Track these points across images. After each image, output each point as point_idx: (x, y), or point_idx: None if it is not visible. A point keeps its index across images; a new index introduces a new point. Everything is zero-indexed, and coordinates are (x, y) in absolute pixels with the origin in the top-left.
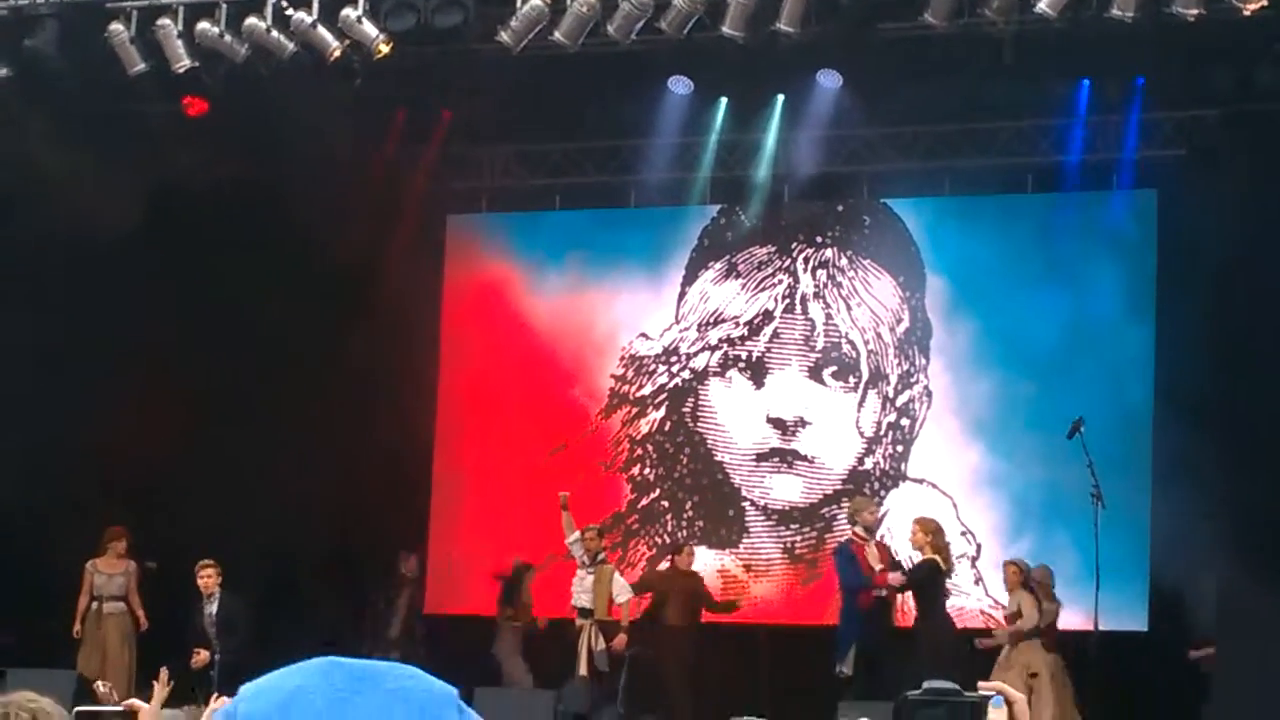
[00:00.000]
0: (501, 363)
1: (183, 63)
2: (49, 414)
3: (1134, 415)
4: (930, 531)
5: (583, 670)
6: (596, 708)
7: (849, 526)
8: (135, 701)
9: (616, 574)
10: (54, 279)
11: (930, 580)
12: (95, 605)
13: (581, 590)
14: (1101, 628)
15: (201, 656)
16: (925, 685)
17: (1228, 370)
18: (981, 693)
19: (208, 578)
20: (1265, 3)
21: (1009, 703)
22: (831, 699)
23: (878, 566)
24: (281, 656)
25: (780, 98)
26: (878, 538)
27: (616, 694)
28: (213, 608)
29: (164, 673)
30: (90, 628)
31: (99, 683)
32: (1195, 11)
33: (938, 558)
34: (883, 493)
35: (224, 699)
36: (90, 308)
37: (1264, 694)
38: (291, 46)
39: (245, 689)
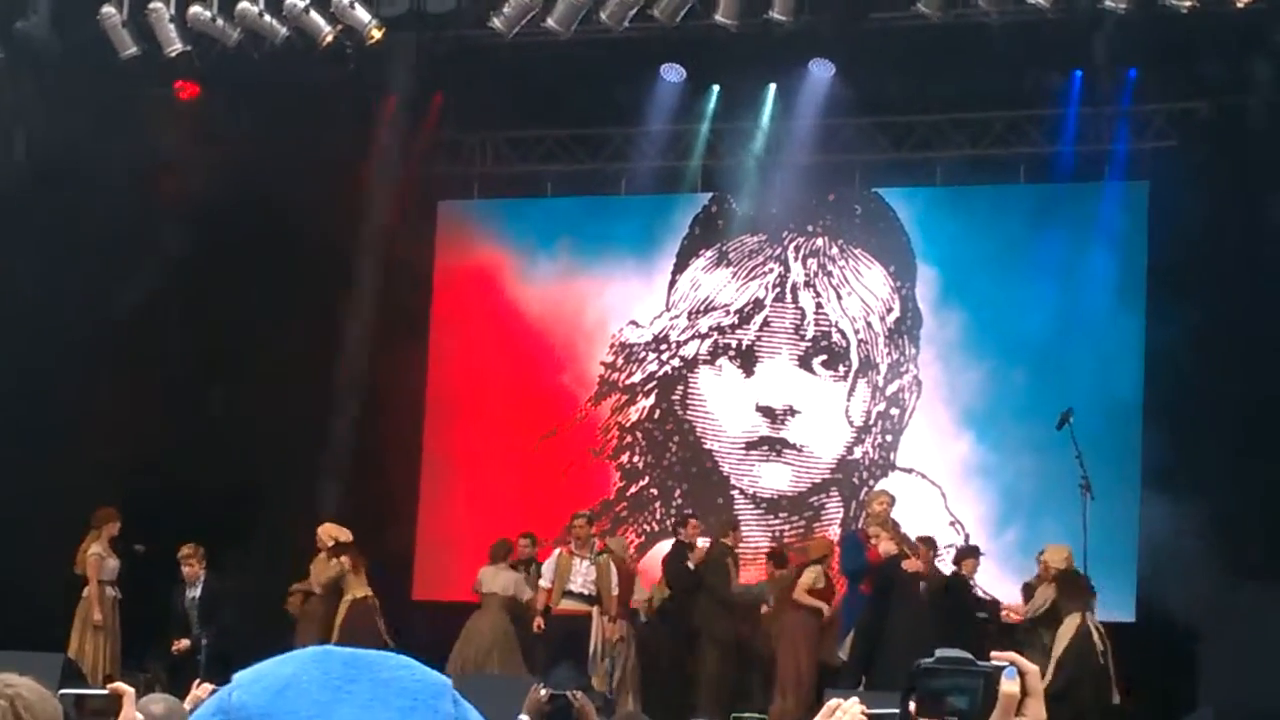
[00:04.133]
0: (492, 348)
1: (174, 46)
2: (31, 394)
3: (1124, 406)
4: (888, 527)
5: (600, 659)
6: (586, 692)
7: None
8: (121, 685)
9: (613, 565)
10: (43, 259)
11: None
12: (110, 591)
13: (586, 578)
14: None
15: (182, 644)
16: (938, 653)
17: (1217, 361)
18: (995, 663)
19: (190, 566)
20: None
21: (1022, 674)
22: (823, 684)
23: (873, 542)
24: (269, 640)
25: (772, 86)
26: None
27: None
28: (195, 592)
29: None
30: (108, 614)
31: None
32: (1188, 3)
33: (897, 546)
34: (871, 482)
35: (206, 685)
36: (77, 287)
37: (1255, 683)
38: (283, 31)
39: (240, 676)
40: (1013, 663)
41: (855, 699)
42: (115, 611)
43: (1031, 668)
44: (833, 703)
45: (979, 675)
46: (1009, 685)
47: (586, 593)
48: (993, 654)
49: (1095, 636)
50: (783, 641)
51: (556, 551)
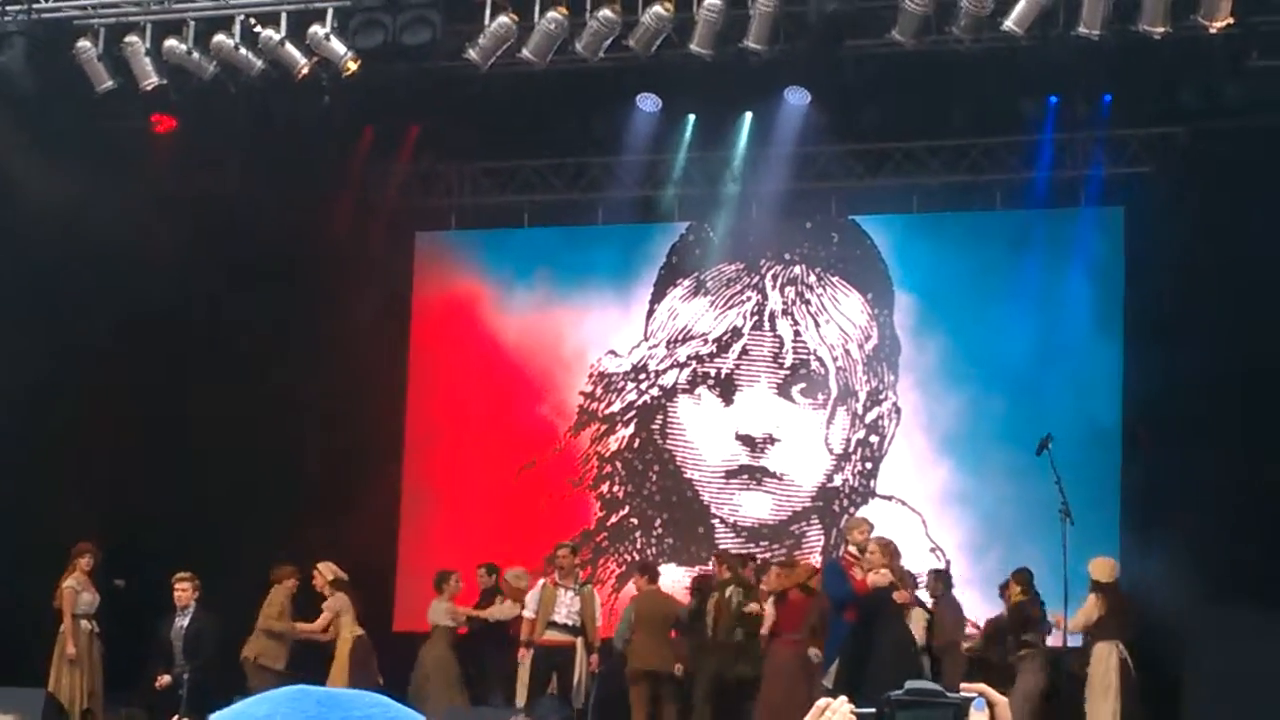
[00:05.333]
0: (470, 380)
1: (150, 80)
2: (16, 427)
3: (1102, 431)
4: (887, 553)
5: (581, 692)
6: None
7: (839, 545)
8: None
9: (597, 595)
10: (20, 292)
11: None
12: (85, 624)
13: (570, 609)
14: (1070, 644)
15: (164, 680)
16: (907, 686)
17: (1195, 386)
18: (964, 694)
19: (183, 590)
20: (1231, 21)
21: (991, 705)
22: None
23: (865, 568)
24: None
25: (748, 115)
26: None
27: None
28: (184, 621)
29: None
30: (81, 648)
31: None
32: (1162, 29)
33: (890, 576)
34: (852, 510)
35: None
36: (53, 319)
37: (1234, 704)
38: (259, 64)
39: (215, 717)
40: (981, 694)
41: (844, 698)
42: (91, 645)
43: (1000, 699)
44: (822, 702)
45: (949, 707)
46: (978, 716)
47: (571, 623)
48: (962, 685)
49: (1130, 666)
50: (769, 675)
51: (541, 583)
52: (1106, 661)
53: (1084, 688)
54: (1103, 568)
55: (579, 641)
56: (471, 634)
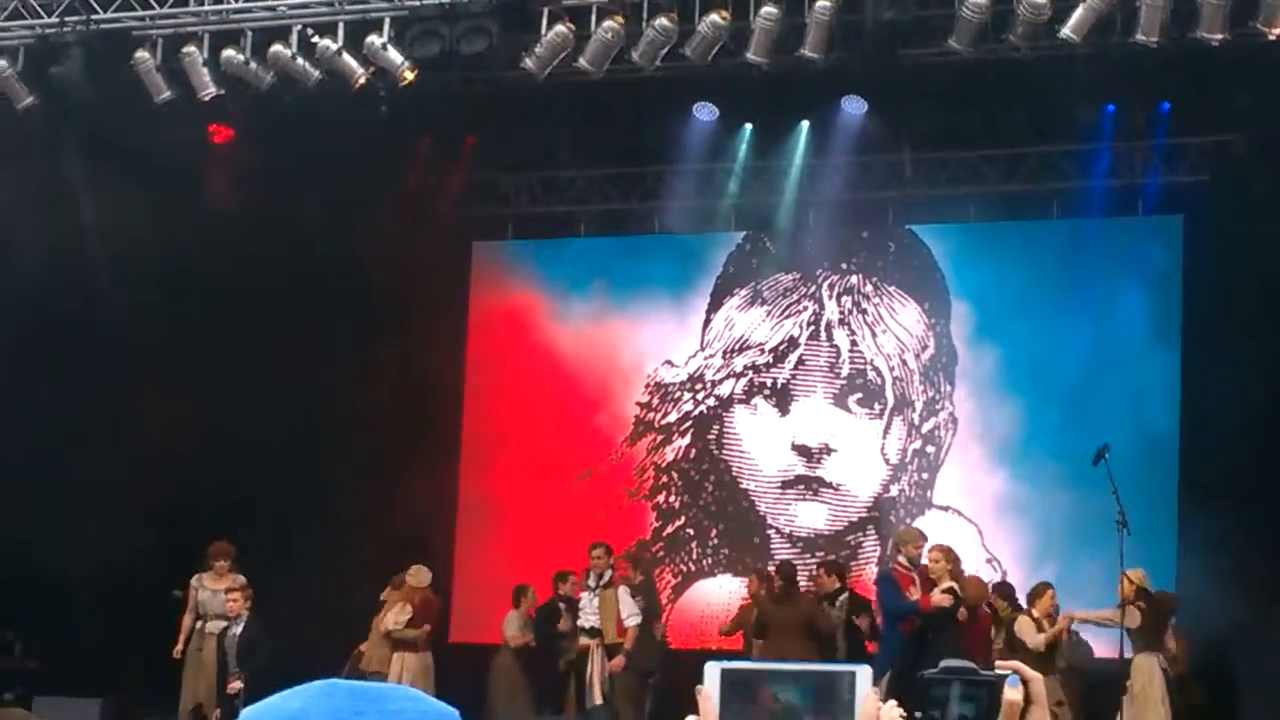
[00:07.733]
0: (527, 389)
1: (208, 90)
2: (76, 434)
3: (1160, 441)
4: (950, 560)
5: (598, 698)
6: None
7: (892, 556)
8: None
9: (626, 594)
10: (80, 297)
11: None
12: (200, 624)
13: (589, 611)
14: (1127, 655)
15: (234, 685)
16: (942, 664)
17: (1254, 396)
18: (999, 671)
19: (234, 600)
20: None
21: (1025, 681)
22: None
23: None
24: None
25: (805, 124)
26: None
27: None
28: (236, 630)
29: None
30: (191, 648)
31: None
32: (1220, 36)
33: (955, 586)
34: (908, 520)
35: None
36: (109, 327)
37: None
38: (316, 74)
39: (247, 712)
40: (1016, 671)
41: (893, 702)
42: (199, 645)
43: (1035, 675)
44: (870, 706)
45: (983, 684)
46: (1012, 693)
47: (588, 626)
48: (997, 663)
49: (1170, 676)
50: None
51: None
52: (1149, 674)
53: (1121, 699)
54: (1141, 575)
55: (594, 644)
56: (538, 646)
